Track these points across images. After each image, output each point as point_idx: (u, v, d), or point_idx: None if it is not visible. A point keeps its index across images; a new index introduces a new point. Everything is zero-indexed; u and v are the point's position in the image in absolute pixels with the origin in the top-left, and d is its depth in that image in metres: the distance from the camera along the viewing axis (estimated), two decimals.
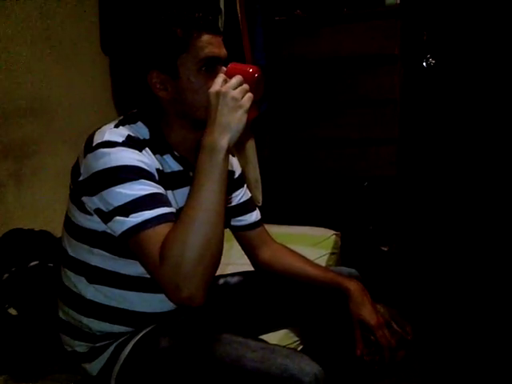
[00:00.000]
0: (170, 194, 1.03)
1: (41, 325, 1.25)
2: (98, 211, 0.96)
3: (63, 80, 1.88)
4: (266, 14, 2.51)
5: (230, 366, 0.95)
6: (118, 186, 0.91)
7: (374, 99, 2.49)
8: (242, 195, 1.27)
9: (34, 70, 1.75)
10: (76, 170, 1.00)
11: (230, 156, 1.23)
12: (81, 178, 0.97)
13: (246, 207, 1.28)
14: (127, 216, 0.91)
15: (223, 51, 1.03)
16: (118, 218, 0.91)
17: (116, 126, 1.00)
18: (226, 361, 0.95)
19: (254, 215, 1.29)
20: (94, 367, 1.08)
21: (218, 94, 0.93)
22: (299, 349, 1.40)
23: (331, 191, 2.62)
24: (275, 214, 2.46)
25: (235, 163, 1.27)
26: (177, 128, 1.05)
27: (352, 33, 2.46)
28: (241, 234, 1.29)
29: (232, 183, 1.24)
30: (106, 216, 0.94)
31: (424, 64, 2.85)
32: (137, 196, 0.91)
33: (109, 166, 0.92)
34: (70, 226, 1.05)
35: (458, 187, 2.79)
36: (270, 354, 0.94)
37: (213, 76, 0.99)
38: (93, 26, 2.03)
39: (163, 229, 0.90)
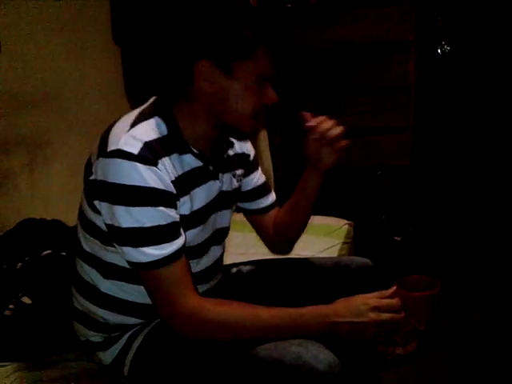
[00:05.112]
0: (186, 199, 1.01)
1: (54, 313, 1.25)
2: (108, 225, 0.95)
3: (76, 70, 1.88)
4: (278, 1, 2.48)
5: (243, 353, 0.94)
6: (131, 208, 0.90)
7: (388, 87, 2.46)
8: (257, 178, 1.27)
9: (47, 59, 1.74)
10: (88, 167, 0.97)
11: (243, 141, 1.23)
12: (92, 178, 0.95)
13: (264, 190, 1.28)
14: (136, 247, 0.91)
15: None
16: (125, 248, 0.92)
17: (133, 125, 0.95)
18: (238, 348, 0.95)
19: (271, 197, 1.30)
20: (108, 356, 1.09)
21: (367, 304, 0.94)
22: None
23: (344, 180, 2.60)
24: None
25: (249, 146, 1.25)
26: (200, 121, 1.01)
27: (366, 20, 2.42)
28: (256, 216, 1.29)
29: (247, 166, 1.23)
30: (114, 232, 0.93)
31: (439, 51, 2.80)
32: (147, 226, 0.90)
33: (125, 182, 0.89)
34: (84, 221, 1.03)
35: (472, 176, 2.75)
36: (283, 342, 0.93)
37: (260, 90, 0.98)
38: (106, 16, 2.03)
39: (174, 267, 0.93)
